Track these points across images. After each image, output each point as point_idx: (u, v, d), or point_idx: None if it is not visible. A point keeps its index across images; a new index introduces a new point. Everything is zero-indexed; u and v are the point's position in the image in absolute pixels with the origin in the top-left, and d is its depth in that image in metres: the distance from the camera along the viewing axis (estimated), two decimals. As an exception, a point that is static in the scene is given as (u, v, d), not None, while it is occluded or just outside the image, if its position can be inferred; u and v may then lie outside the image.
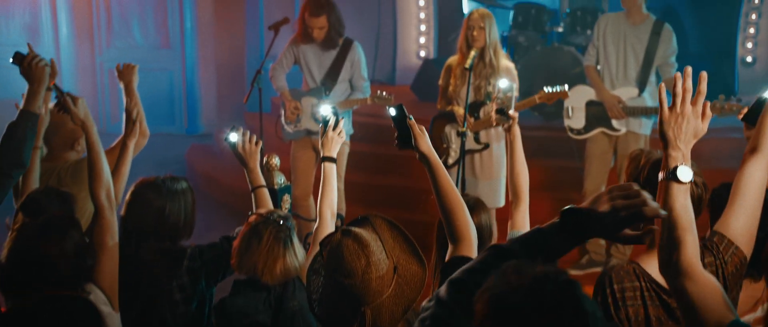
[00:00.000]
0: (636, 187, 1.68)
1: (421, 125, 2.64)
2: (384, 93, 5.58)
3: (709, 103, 2.03)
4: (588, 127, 5.69)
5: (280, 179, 3.93)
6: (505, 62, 5.30)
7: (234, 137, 3.51)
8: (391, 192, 6.84)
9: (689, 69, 2.03)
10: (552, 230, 1.73)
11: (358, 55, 5.76)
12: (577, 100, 5.60)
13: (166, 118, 10.36)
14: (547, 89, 5.12)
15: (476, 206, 3.21)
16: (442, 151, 5.32)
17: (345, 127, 5.80)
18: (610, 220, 1.66)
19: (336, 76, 5.73)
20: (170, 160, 9.09)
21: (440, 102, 5.50)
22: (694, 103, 2.01)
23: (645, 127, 5.60)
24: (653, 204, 1.65)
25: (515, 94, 5.34)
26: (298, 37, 5.74)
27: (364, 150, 6.75)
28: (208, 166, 8.28)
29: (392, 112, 2.69)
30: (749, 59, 8.75)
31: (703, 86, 2.01)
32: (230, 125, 3.65)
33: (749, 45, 8.71)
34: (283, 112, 5.85)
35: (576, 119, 5.71)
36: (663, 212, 1.71)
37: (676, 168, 1.98)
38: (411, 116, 2.64)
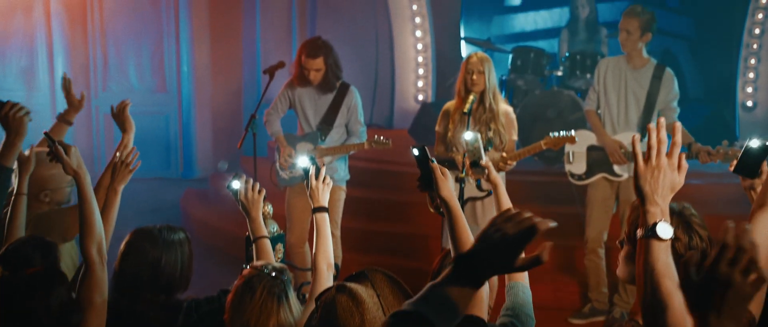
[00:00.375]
0: (516, 209, 1.62)
1: (443, 168, 2.58)
2: (382, 137, 5.48)
3: (684, 154, 1.95)
4: (589, 173, 5.58)
5: (272, 228, 3.80)
6: (504, 107, 5.21)
7: (236, 184, 3.40)
8: (390, 239, 6.70)
9: (662, 119, 1.96)
10: (446, 282, 1.63)
11: (355, 100, 5.67)
12: (578, 144, 5.49)
13: (162, 162, 10.27)
14: (554, 134, 5.01)
15: None
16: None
17: (341, 172, 5.74)
18: (502, 248, 1.58)
19: (332, 121, 5.63)
20: (165, 205, 8.98)
21: (438, 148, 5.39)
22: (669, 154, 1.93)
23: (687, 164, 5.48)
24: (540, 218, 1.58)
25: (514, 137, 5.24)
26: (294, 80, 5.65)
27: (361, 195, 6.63)
28: (204, 211, 8.14)
29: (415, 152, 2.66)
30: (749, 104, 8.69)
31: (678, 137, 1.93)
32: (233, 173, 3.55)
33: (749, 89, 8.65)
34: (277, 158, 5.74)
35: (577, 164, 5.60)
36: (553, 223, 1.63)
37: (655, 224, 1.88)
38: (433, 159, 2.59)
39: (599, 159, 5.52)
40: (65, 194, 3.84)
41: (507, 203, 3.08)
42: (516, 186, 5.24)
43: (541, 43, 10.07)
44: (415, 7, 9.49)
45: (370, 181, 7.09)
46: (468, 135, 3.43)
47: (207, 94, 10.20)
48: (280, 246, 3.81)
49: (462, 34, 10.18)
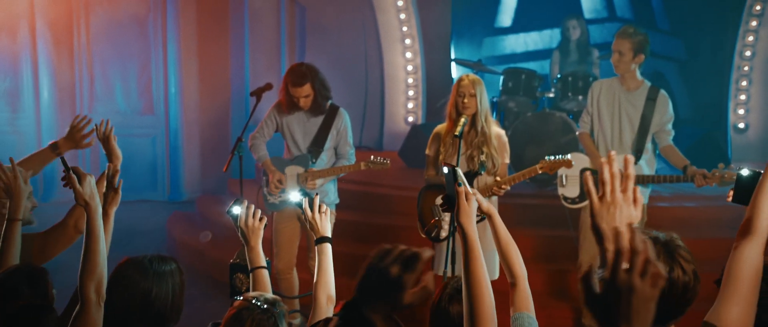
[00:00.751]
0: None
1: (470, 193, 2.51)
2: (380, 158, 5.37)
3: (638, 188, 1.88)
4: (582, 196, 5.47)
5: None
6: (496, 130, 5.10)
7: (237, 210, 3.28)
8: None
9: (613, 153, 1.89)
10: None
11: (345, 122, 5.55)
12: (572, 168, 5.38)
13: (148, 185, 10.12)
14: (550, 158, 4.91)
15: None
16: (433, 225, 5.07)
17: (331, 195, 5.61)
18: (385, 286, 1.54)
19: (322, 144, 5.51)
20: (151, 228, 8.82)
21: (428, 171, 5.26)
22: (623, 189, 1.84)
23: (642, 196, 5.39)
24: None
25: (506, 160, 5.13)
26: (282, 106, 5.53)
27: (350, 218, 6.49)
28: (190, 235, 7.98)
29: (445, 170, 2.60)
30: (742, 126, 8.64)
31: (630, 169, 1.85)
32: (234, 197, 3.43)
33: (741, 111, 8.61)
34: (265, 182, 5.61)
35: (570, 188, 5.49)
36: (430, 252, 1.62)
37: None
38: (461, 182, 2.53)
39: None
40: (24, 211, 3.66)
41: (505, 233, 2.90)
42: (507, 209, 5.12)
43: (532, 65, 10.02)
44: (405, 28, 9.42)
45: (360, 204, 6.96)
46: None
47: (194, 115, 10.08)
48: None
49: (452, 56, 10.10)
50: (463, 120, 4.85)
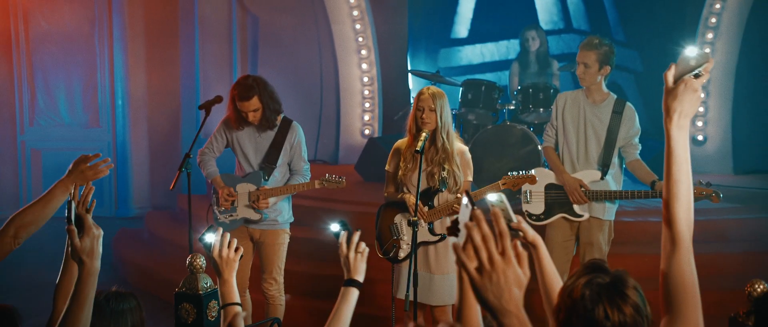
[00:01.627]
0: None
1: (519, 221, 2.28)
2: (334, 176, 5.08)
3: (517, 242, 1.64)
4: (548, 213, 5.25)
5: (205, 283, 3.35)
6: (459, 145, 4.86)
7: (210, 238, 2.93)
8: (337, 282, 6.24)
9: (477, 212, 1.64)
10: None
11: (298, 136, 5.26)
12: (536, 183, 5.16)
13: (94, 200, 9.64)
14: (513, 174, 4.68)
15: None
16: (391, 245, 4.80)
17: (285, 214, 5.30)
18: None
19: (275, 160, 5.21)
20: (97, 247, 8.40)
21: (388, 188, 5.00)
22: (501, 251, 1.61)
23: (609, 212, 5.19)
24: None
25: (469, 178, 4.89)
26: (231, 121, 5.21)
27: (305, 236, 6.20)
28: (139, 254, 7.59)
29: (464, 201, 2.26)
30: (700, 138, 8.55)
31: (501, 225, 1.61)
32: (208, 225, 3.09)
33: (699, 124, 8.52)
34: (214, 200, 5.28)
35: (535, 204, 5.27)
36: None
37: None
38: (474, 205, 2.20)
39: (558, 198, 5.20)
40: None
41: (550, 267, 2.49)
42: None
43: (489, 76, 9.87)
44: (360, 38, 9.17)
45: (315, 221, 6.65)
46: (492, 197, 2.72)
47: (143, 129, 9.70)
48: (214, 303, 3.37)
49: (409, 67, 9.89)
50: (424, 135, 4.61)
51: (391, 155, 4.96)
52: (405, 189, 4.85)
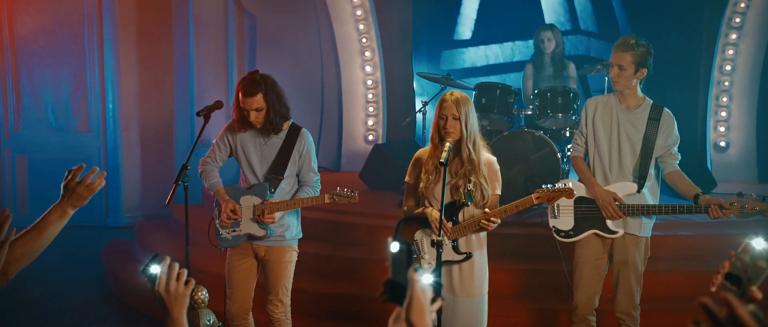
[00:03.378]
0: None
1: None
2: (346, 190, 4.63)
3: None
4: (578, 229, 4.78)
5: (208, 320, 2.90)
6: (487, 156, 4.43)
7: (155, 269, 2.47)
8: (345, 301, 5.82)
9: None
10: None
11: (307, 144, 4.80)
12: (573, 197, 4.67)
13: (84, 209, 8.94)
14: (547, 187, 4.24)
15: None
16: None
17: (293, 229, 4.84)
18: None
19: (282, 171, 4.75)
20: (86, 258, 7.98)
21: (408, 202, 4.56)
22: None
23: (646, 228, 4.76)
24: None
25: (498, 191, 4.47)
26: (235, 124, 4.77)
27: (313, 251, 5.79)
28: (130, 269, 7.12)
29: (393, 248, 2.04)
30: (722, 144, 8.16)
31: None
32: (152, 253, 2.63)
33: (722, 129, 8.12)
34: (217, 214, 4.83)
35: (563, 219, 4.80)
36: None
37: None
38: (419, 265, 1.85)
39: (590, 213, 4.75)
40: None
41: None
42: (489, 240, 4.46)
43: (495, 79, 9.49)
44: (364, 39, 8.77)
45: (324, 235, 6.24)
46: (759, 244, 2.06)
47: (135, 134, 9.27)
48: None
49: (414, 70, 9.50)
50: (447, 145, 4.18)
51: (412, 166, 4.53)
52: (426, 202, 4.42)
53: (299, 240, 4.94)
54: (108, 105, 9.24)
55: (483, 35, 10.65)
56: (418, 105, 9.61)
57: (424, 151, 4.50)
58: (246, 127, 4.72)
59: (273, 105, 4.63)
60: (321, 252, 6.09)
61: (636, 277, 4.72)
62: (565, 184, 4.25)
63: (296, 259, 4.87)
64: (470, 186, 4.27)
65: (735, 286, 1.93)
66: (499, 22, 10.42)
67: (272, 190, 4.73)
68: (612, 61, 4.72)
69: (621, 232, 4.70)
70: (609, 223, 4.70)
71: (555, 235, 4.81)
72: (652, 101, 4.81)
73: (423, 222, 4.40)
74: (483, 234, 4.41)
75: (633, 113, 4.77)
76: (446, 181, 4.23)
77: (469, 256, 4.36)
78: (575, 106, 6.71)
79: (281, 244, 4.81)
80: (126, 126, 9.25)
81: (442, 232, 4.08)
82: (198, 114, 4.67)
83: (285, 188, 4.79)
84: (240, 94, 4.62)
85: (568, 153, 5.81)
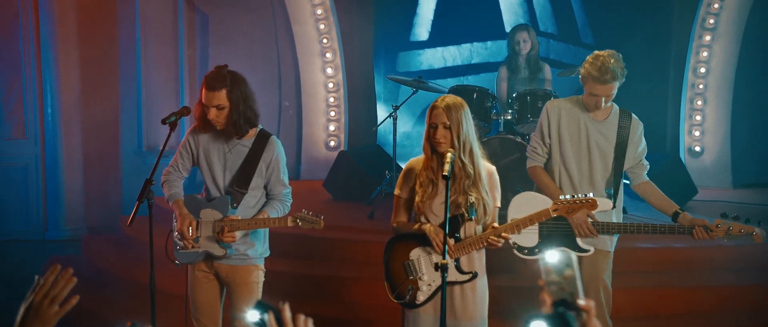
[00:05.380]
0: None
1: None
2: (310, 213, 4.28)
3: None
4: (543, 247, 4.36)
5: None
6: (487, 166, 4.10)
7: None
8: (318, 323, 5.34)
9: None
10: None
11: (277, 153, 4.50)
12: (526, 210, 4.24)
13: (20, 221, 8.87)
14: (565, 197, 3.87)
15: None
16: (407, 287, 3.95)
17: (258, 247, 4.50)
18: None
19: (247, 182, 4.47)
20: (23, 277, 7.31)
21: (398, 218, 4.17)
22: None
23: (614, 242, 4.52)
24: None
25: (498, 204, 4.07)
26: (197, 126, 4.33)
27: (283, 269, 5.53)
28: (76, 290, 6.51)
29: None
30: (697, 148, 8.00)
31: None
32: None
33: (697, 133, 7.97)
34: (175, 226, 4.38)
35: (527, 236, 4.37)
36: None
37: None
38: None
39: (558, 230, 4.34)
40: None
41: None
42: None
43: (452, 82, 9.23)
44: (325, 40, 8.49)
45: (294, 251, 5.81)
46: (551, 257, 1.87)
47: (77, 140, 8.88)
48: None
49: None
50: (449, 156, 3.89)
51: (403, 178, 4.16)
52: (422, 218, 4.01)
53: (266, 258, 4.48)
54: (46, 109, 8.91)
55: (440, 36, 10.60)
56: (380, 109, 9.24)
57: (416, 162, 4.15)
58: (207, 127, 4.31)
59: (237, 105, 4.32)
60: (293, 271, 5.74)
61: (606, 293, 4.56)
62: (585, 195, 3.86)
63: (263, 279, 4.44)
64: (472, 199, 3.88)
65: (570, 310, 1.81)
66: (456, 22, 10.36)
67: (234, 204, 4.38)
68: (599, 93, 4.37)
69: (592, 249, 4.37)
70: (579, 241, 4.32)
71: (516, 252, 4.43)
72: (618, 107, 4.48)
73: (420, 239, 4.03)
74: (483, 251, 4.02)
75: (602, 123, 4.51)
76: (449, 195, 3.81)
77: (474, 276, 3.97)
78: (555, 109, 6.42)
79: (245, 263, 4.47)
80: (67, 131, 8.87)
81: (446, 253, 3.67)
82: (163, 122, 4.26)
83: (250, 202, 4.48)
84: (203, 89, 4.35)
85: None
